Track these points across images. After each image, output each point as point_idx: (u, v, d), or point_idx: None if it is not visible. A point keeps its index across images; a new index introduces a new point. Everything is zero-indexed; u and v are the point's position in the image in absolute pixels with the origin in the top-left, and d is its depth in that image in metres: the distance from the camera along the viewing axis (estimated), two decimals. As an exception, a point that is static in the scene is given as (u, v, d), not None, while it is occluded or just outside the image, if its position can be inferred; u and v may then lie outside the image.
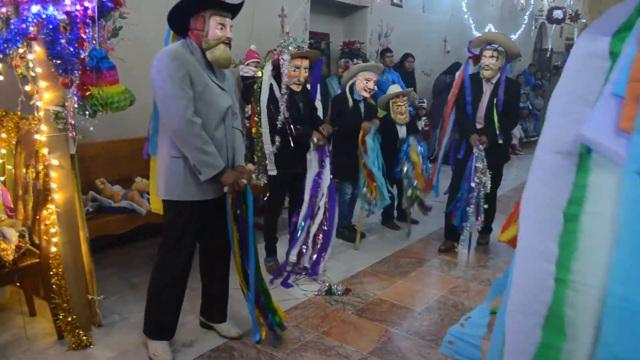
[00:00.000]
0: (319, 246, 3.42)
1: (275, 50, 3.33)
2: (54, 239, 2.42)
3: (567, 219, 1.03)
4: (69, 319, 2.46)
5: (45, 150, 2.38)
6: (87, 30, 2.31)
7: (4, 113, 2.56)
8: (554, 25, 11.40)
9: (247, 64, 4.64)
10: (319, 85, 3.80)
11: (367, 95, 3.91)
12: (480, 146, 3.60)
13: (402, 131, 4.21)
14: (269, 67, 3.26)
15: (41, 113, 2.36)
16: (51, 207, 2.42)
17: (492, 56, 3.61)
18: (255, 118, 3.32)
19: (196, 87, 2.23)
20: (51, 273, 2.44)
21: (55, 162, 2.40)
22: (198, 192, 2.30)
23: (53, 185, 2.40)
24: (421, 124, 6.88)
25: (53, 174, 2.40)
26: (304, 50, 3.28)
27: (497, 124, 3.66)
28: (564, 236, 1.03)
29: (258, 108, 3.26)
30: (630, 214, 0.92)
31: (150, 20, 3.92)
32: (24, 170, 2.60)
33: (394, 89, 4.33)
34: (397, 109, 4.17)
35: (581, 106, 1.04)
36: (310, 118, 3.48)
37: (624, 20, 1.02)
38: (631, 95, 0.95)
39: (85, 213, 2.75)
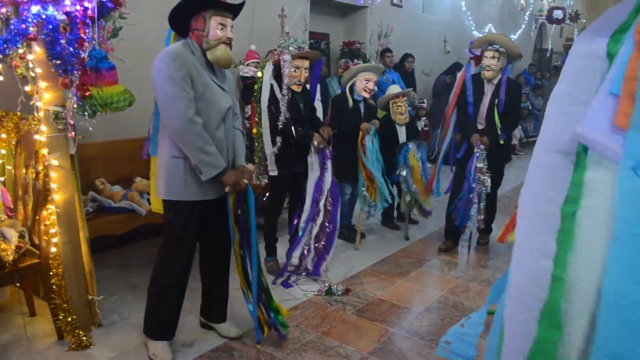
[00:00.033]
0: (321, 248, 3.43)
1: (275, 50, 3.33)
2: (54, 239, 2.42)
3: (565, 217, 1.05)
4: (69, 319, 2.47)
5: (45, 151, 2.38)
6: (87, 31, 2.31)
7: (4, 113, 2.56)
8: (554, 25, 11.42)
9: (247, 64, 4.65)
10: (319, 86, 3.81)
11: (367, 95, 3.91)
12: (482, 146, 3.61)
13: (401, 131, 4.21)
14: (269, 68, 3.26)
15: (41, 113, 2.36)
16: (51, 207, 2.42)
17: (493, 57, 3.62)
18: (255, 118, 3.32)
19: (197, 87, 2.23)
20: (51, 273, 2.44)
21: (55, 162, 2.40)
22: (199, 192, 2.30)
23: (53, 186, 2.41)
24: (421, 124, 6.88)
25: (53, 174, 2.40)
26: (305, 51, 3.28)
27: (498, 125, 3.66)
28: (561, 234, 1.05)
29: (258, 108, 3.26)
30: (625, 209, 0.94)
31: (150, 21, 3.93)
32: (24, 171, 2.60)
33: (394, 89, 4.33)
34: (397, 109, 4.17)
35: (579, 106, 1.06)
36: (310, 119, 3.48)
37: (622, 21, 1.03)
38: (626, 94, 0.97)
39: (85, 213, 2.75)
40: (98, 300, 2.64)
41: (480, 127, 3.75)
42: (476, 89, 3.74)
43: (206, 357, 2.46)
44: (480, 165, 3.62)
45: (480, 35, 8.78)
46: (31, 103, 2.39)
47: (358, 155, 3.81)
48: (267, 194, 3.52)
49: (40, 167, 2.41)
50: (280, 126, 3.22)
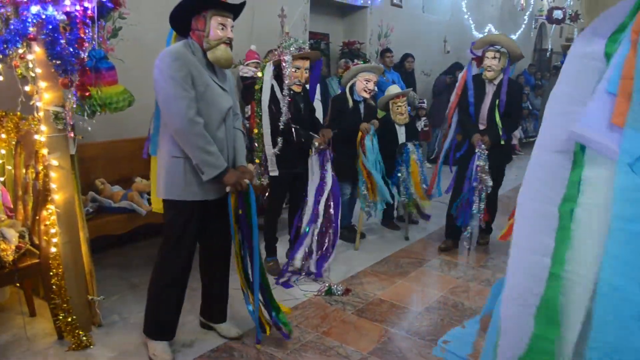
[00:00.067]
0: (323, 249, 3.43)
1: (275, 50, 3.33)
2: (54, 240, 2.42)
3: (562, 215, 1.07)
4: (69, 319, 2.46)
5: (45, 151, 2.38)
6: (87, 31, 2.31)
7: (4, 113, 2.56)
8: (554, 25, 11.42)
9: (247, 64, 4.65)
10: (319, 85, 3.81)
11: (366, 96, 3.91)
12: (483, 146, 3.62)
13: (401, 132, 4.21)
14: (270, 68, 3.26)
15: (41, 113, 2.36)
16: (51, 207, 2.42)
17: (495, 57, 3.63)
18: (255, 119, 3.32)
19: (198, 87, 2.23)
20: (51, 273, 2.44)
21: (55, 162, 2.40)
22: (199, 192, 2.30)
23: (53, 186, 2.41)
24: (421, 124, 6.89)
25: (53, 175, 2.40)
26: (305, 52, 3.28)
27: (499, 125, 3.67)
28: (559, 232, 1.07)
29: (259, 109, 3.26)
30: (621, 205, 0.96)
31: (149, 21, 3.93)
32: (24, 171, 2.60)
33: (393, 89, 4.33)
34: (397, 109, 4.17)
35: (578, 106, 1.08)
36: (310, 119, 3.48)
37: (620, 21, 1.05)
38: (623, 92, 0.99)
39: (85, 213, 2.75)
40: (98, 300, 2.64)
41: (481, 127, 3.76)
42: (477, 90, 3.75)
43: (206, 357, 2.46)
44: (481, 164, 3.62)
45: (480, 35, 8.78)
46: (31, 103, 2.39)
47: (358, 156, 3.81)
48: (267, 194, 3.51)
49: (40, 167, 2.41)
50: (281, 126, 3.22)
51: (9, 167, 2.74)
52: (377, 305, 3.04)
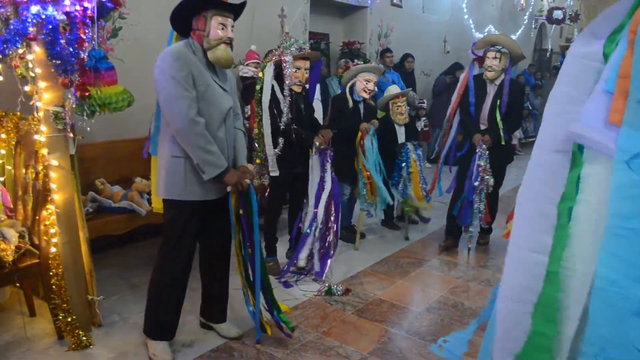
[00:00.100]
0: (325, 249, 3.43)
1: (275, 50, 3.33)
2: (54, 240, 2.42)
3: (560, 214, 1.08)
4: (69, 320, 2.46)
5: (44, 151, 2.38)
6: (87, 31, 2.31)
7: (4, 113, 2.56)
8: (554, 25, 11.42)
9: (247, 64, 4.65)
10: (319, 85, 3.81)
11: (366, 96, 3.91)
12: (484, 145, 3.62)
13: (400, 132, 4.21)
14: (270, 68, 3.26)
15: (41, 113, 2.36)
16: (51, 207, 2.42)
17: (495, 57, 3.64)
18: (255, 119, 3.32)
19: (198, 87, 2.23)
20: (51, 273, 2.43)
21: (54, 162, 2.40)
22: (199, 192, 2.30)
23: (53, 186, 2.40)
24: (421, 124, 6.89)
25: (53, 175, 2.40)
26: (306, 52, 3.28)
27: (500, 125, 3.67)
28: (558, 230, 1.08)
29: (259, 109, 3.26)
30: (618, 201, 0.97)
31: (149, 21, 3.93)
32: (24, 171, 2.60)
33: (393, 89, 4.33)
34: (397, 109, 4.17)
35: (577, 107, 1.09)
36: (309, 119, 3.48)
37: (619, 22, 1.06)
38: (620, 91, 1.00)
39: (85, 213, 2.75)
40: (98, 300, 2.64)
41: (482, 127, 3.77)
42: (478, 90, 3.76)
43: (206, 357, 2.46)
44: (482, 164, 3.63)
45: (480, 35, 8.79)
46: (31, 103, 2.39)
47: (357, 156, 3.81)
48: (267, 194, 3.52)
49: (40, 167, 2.41)
50: (282, 127, 3.22)
51: (9, 167, 2.74)
52: (377, 305, 3.04)
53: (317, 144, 3.29)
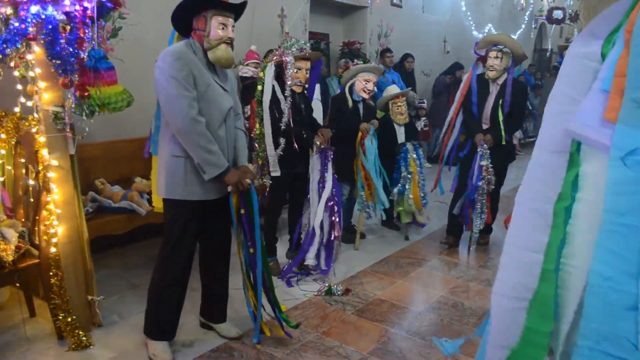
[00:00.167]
0: (330, 247, 3.44)
1: (275, 50, 3.33)
2: (54, 240, 2.42)
3: (557, 213, 1.10)
4: (69, 320, 2.46)
5: (44, 151, 2.38)
6: (87, 31, 2.31)
7: (4, 113, 2.56)
8: (554, 25, 11.42)
9: (247, 64, 4.65)
10: (319, 85, 3.80)
11: (365, 96, 3.91)
12: (485, 145, 3.63)
13: (400, 132, 4.21)
14: (271, 69, 3.25)
15: (40, 114, 2.36)
16: (51, 207, 2.42)
17: (497, 57, 3.65)
18: (256, 119, 3.32)
19: (199, 87, 2.23)
20: (51, 273, 2.43)
21: (54, 162, 2.40)
22: (200, 192, 2.30)
23: (53, 186, 2.40)
24: (421, 124, 6.89)
25: (52, 175, 2.40)
26: (307, 52, 3.27)
27: (502, 125, 3.67)
28: (553, 229, 1.10)
29: (260, 109, 3.26)
30: (613, 197, 0.99)
31: (149, 21, 3.93)
32: (24, 171, 2.60)
33: (392, 89, 4.33)
34: (397, 109, 4.17)
35: (576, 107, 1.11)
36: (309, 119, 3.48)
37: (617, 23, 1.08)
38: (616, 89, 1.02)
39: (85, 213, 2.74)
40: (98, 300, 2.64)
41: (484, 126, 3.78)
42: (481, 89, 3.77)
43: (206, 357, 2.46)
44: (484, 163, 3.63)
45: (480, 35, 8.79)
46: (31, 103, 2.39)
47: (356, 156, 3.81)
48: (267, 194, 3.52)
49: (40, 167, 2.41)
50: (283, 127, 3.22)
51: (9, 167, 2.74)
52: (377, 305, 3.04)
53: (318, 143, 3.29)
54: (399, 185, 4.06)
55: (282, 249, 3.65)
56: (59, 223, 2.43)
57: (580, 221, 1.07)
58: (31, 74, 2.32)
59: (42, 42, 2.23)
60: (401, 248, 4.07)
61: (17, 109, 2.52)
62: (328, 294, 3.14)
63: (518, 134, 8.97)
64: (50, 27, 2.18)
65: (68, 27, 2.25)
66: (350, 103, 3.90)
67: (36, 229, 2.52)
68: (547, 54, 12.22)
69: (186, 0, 2.25)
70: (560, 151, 1.12)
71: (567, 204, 1.08)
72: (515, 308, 1.15)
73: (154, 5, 3.94)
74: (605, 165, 1.01)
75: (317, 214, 3.37)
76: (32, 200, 2.55)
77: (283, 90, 3.24)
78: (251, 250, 2.47)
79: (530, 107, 9.73)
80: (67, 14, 2.24)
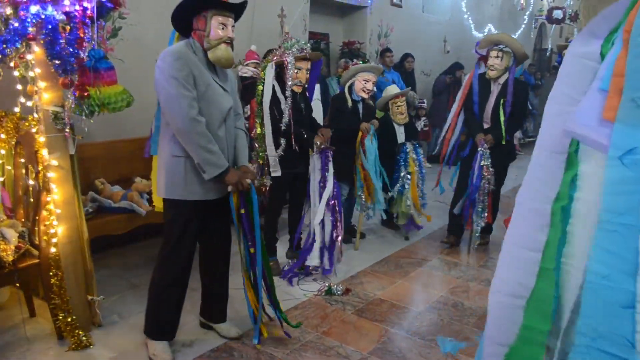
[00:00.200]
0: (332, 246, 3.44)
1: (275, 50, 3.33)
2: (54, 240, 2.42)
3: (554, 213, 1.11)
4: (69, 320, 2.46)
5: (44, 151, 2.38)
6: (87, 31, 2.31)
7: (4, 114, 2.56)
8: (554, 25, 11.42)
9: (246, 64, 4.65)
10: (319, 85, 3.80)
11: (365, 96, 3.90)
12: (485, 145, 3.63)
13: (400, 131, 4.21)
14: (271, 69, 3.25)
15: (40, 114, 2.36)
16: (51, 207, 2.42)
17: (497, 56, 3.65)
18: (256, 119, 3.32)
19: (199, 87, 2.23)
20: (51, 273, 2.43)
21: (54, 162, 2.40)
22: (200, 192, 2.30)
23: (52, 186, 2.40)
24: (421, 124, 6.89)
25: (52, 175, 2.40)
26: (307, 53, 3.27)
27: (503, 125, 3.68)
28: (551, 229, 1.10)
29: (260, 109, 3.26)
30: (611, 197, 0.99)
31: (149, 21, 3.93)
32: (24, 171, 2.60)
33: (392, 89, 4.33)
34: (397, 109, 4.17)
35: (575, 106, 1.09)
36: (309, 119, 3.48)
37: (616, 22, 1.08)
38: (614, 89, 1.02)
39: (85, 213, 2.74)
40: (98, 300, 2.64)
41: (486, 126, 3.78)
42: (482, 89, 3.77)
43: (206, 357, 2.46)
44: (485, 163, 3.63)
45: (480, 35, 8.80)
46: (31, 103, 2.39)
47: (356, 156, 3.81)
48: (267, 194, 3.52)
49: (40, 167, 2.41)
50: (283, 127, 3.22)
51: (9, 167, 2.74)
52: (377, 305, 3.04)
53: (318, 143, 3.29)
54: (399, 185, 4.06)
55: (282, 249, 3.65)
56: (59, 223, 2.43)
57: (579, 221, 1.07)
58: (31, 74, 2.32)
59: (41, 42, 2.22)
60: (401, 248, 4.07)
61: (17, 109, 2.52)
62: (328, 294, 3.14)
63: (518, 134, 8.97)
64: (50, 27, 2.18)
65: (68, 27, 2.25)
66: (349, 103, 3.90)
67: (36, 229, 2.52)
68: (547, 53, 12.22)
69: (186, 0, 2.25)
70: (560, 151, 1.12)
71: (565, 203, 1.08)
72: (513, 306, 1.15)
73: (154, 5, 3.94)
74: (603, 166, 1.01)
75: (317, 213, 3.37)
76: (32, 200, 2.55)
77: (283, 91, 3.24)
78: (252, 250, 2.47)
79: (530, 107, 9.73)
80: (67, 14, 2.23)
